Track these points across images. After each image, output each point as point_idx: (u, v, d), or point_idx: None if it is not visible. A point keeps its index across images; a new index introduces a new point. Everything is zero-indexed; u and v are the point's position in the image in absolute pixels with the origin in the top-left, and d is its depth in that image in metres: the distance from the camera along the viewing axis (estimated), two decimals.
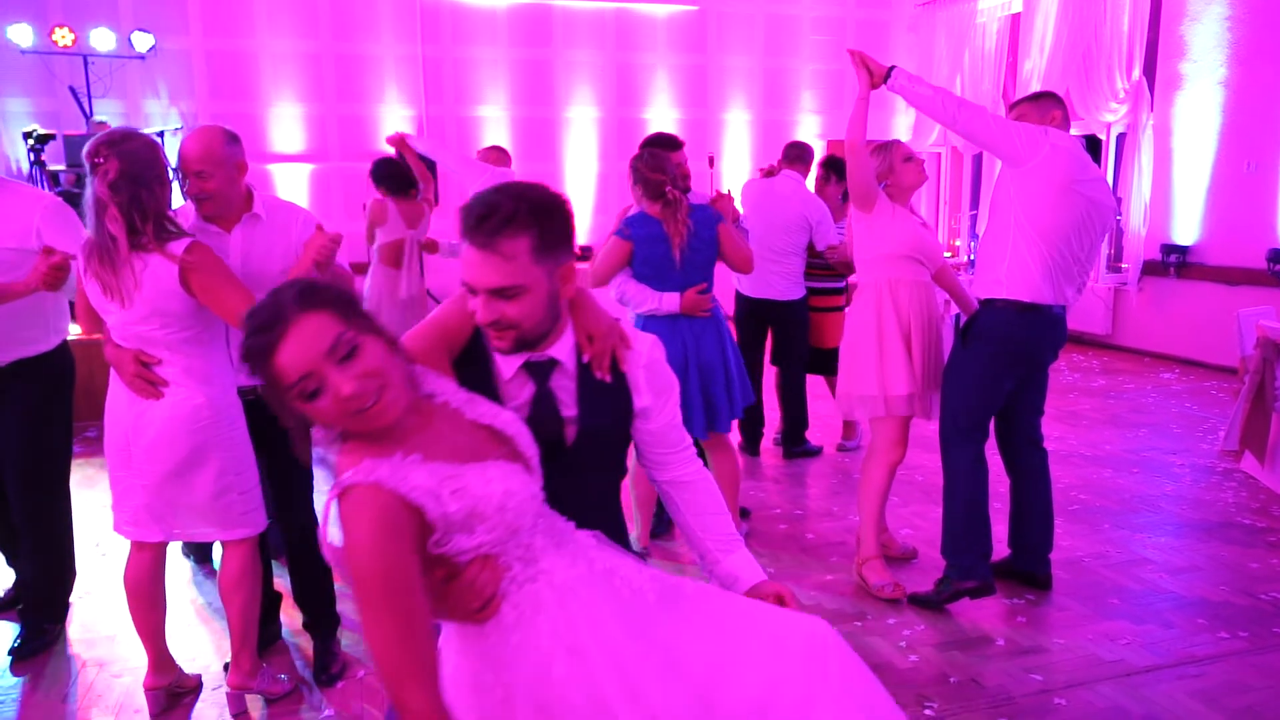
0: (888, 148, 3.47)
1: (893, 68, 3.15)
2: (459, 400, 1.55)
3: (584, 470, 1.74)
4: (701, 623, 1.53)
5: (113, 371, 2.58)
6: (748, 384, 3.70)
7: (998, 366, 3.20)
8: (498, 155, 5.73)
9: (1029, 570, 3.46)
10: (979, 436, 3.27)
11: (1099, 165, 8.58)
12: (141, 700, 2.73)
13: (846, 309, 5.25)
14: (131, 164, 2.38)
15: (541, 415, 1.69)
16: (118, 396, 2.57)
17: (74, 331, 3.12)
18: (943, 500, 3.34)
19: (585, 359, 1.71)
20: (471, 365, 1.69)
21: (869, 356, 3.42)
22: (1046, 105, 3.26)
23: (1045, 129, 3.08)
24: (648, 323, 3.54)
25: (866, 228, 3.42)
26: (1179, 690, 2.77)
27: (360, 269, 5.77)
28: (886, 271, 3.41)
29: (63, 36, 7.84)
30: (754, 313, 5.11)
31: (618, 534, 1.83)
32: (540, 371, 1.70)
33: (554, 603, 1.43)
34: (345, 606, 3.06)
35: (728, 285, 5.48)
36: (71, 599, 3.30)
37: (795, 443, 5.25)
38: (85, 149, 2.43)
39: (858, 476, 4.81)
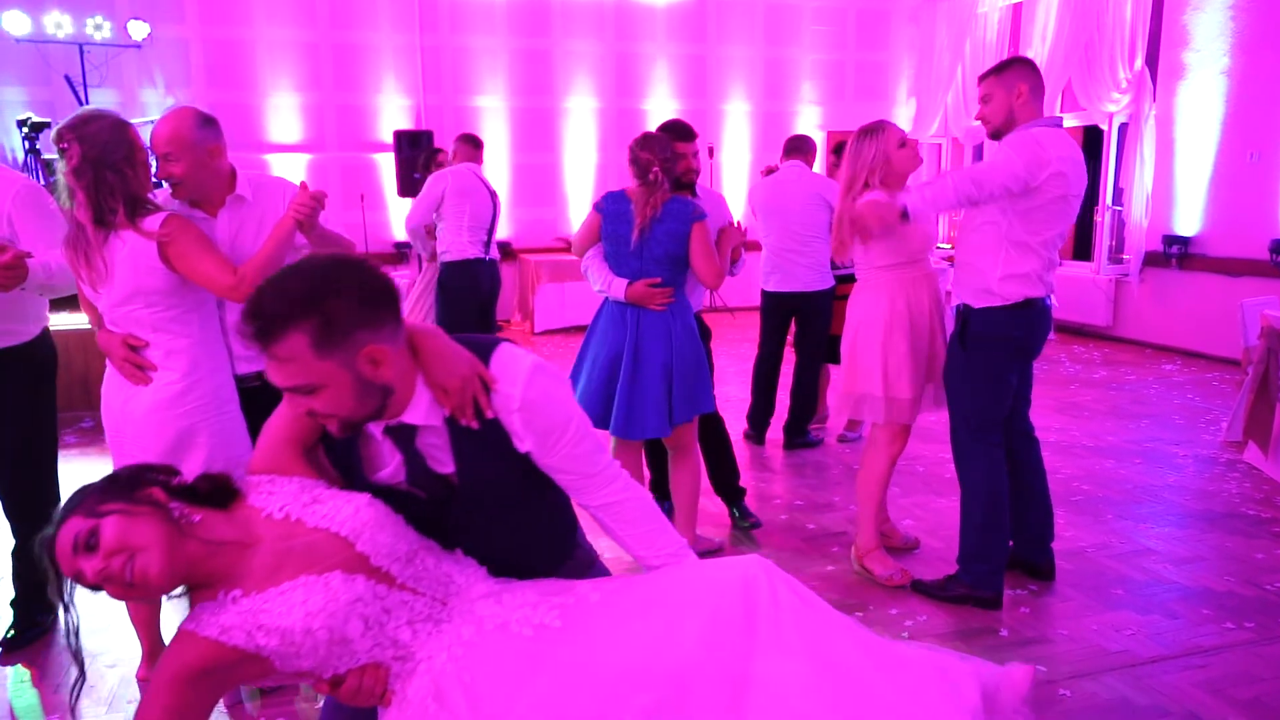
0: (878, 131, 3.26)
1: (904, 207, 2.95)
2: (300, 506, 1.51)
3: (492, 509, 1.65)
4: (619, 622, 1.51)
5: (108, 358, 2.55)
6: (698, 399, 3.40)
7: (1001, 364, 3.14)
8: (468, 148, 5.71)
9: (1030, 560, 3.43)
10: (994, 440, 3.21)
11: (1101, 156, 8.57)
12: (135, 691, 2.70)
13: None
14: (92, 147, 2.34)
15: (416, 477, 1.61)
16: (110, 382, 2.54)
17: (62, 321, 3.07)
18: (960, 509, 3.27)
19: (446, 414, 1.56)
20: (341, 439, 1.59)
21: (873, 357, 3.34)
22: (1012, 79, 3.05)
23: (1039, 143, 2.93)
24: (603, 303, 3.48)
25: (882, 243, 3.32)
26: (1185, 681, 2.74)
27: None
28: (901, 274, 3.33)
29: (58, 25, 7.79)
30: (779, 307, 5.07)
31: (561, 553, 1.78)
32: (402, 436, 1.58)
33: (425, 694, 1.44)
34: None
35: (754, 283, 5.41)
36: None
37: (797, 434, 5.22)
38: (51, 136, 2.39)
39: (858, 467, 4.80)
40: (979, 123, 3.24)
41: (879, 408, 3.36)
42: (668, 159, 3.35)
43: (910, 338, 3.31)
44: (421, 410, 1.56)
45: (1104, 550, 3.71)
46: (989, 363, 3.12)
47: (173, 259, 2.39)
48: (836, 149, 5.22)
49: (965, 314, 3.15)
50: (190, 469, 2.45)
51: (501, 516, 1.67)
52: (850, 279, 4.98)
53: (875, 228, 3.03)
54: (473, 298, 5.38)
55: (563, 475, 1.66)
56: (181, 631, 1.40)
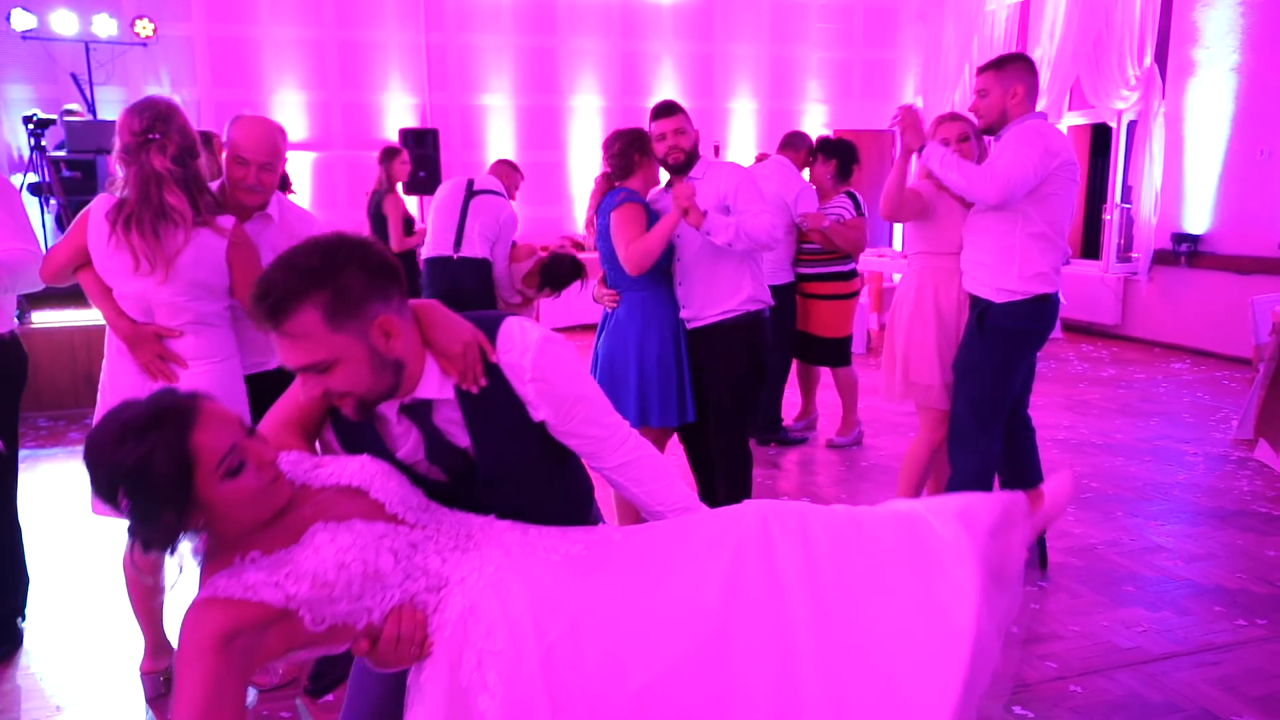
0: (941, 122, 3.38)
1: (924, 145, 3.06)
2: (303, 474, 1.50)
3: (512, 481, 1.64)
4: (644, 555, 1.52)
5: (115, 348, 2.50)
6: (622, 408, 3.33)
7: (1018, 355, 3.16)
8: (508, 170, 5.68)
9: None
10: (996, 431, 3.20)
11: (1110, 153, 8.52)
12: (137, 684, 2.68)
13: (856, 298, 5.20)
14: (185, 138, 2.39)
15: (436, 453, 1.60)
16: (125, 375, 2.48)
17: (66, 318, 3.01)
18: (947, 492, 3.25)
19: (453, 384, 1.56)
20: (351, 421, 1.57)
21: (893, 341, 3.40)
22: (1010, 79, 3.05)
23: (1042, 134, 2.97)
24: None
25: (922, 229, 3.37)
26: (1198, 678, 2.70)
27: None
28: (937, 264, 3.35)
29: (64, 22, 7.79)
30: None
31: (582, 518, 1.76)
32: (417, 413, 1.57)
33: (462, 612, 1.41)
34: None
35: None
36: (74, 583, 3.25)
37: (768, 430, 5.19)
38: (133, 122, 2.35)
39: (864, 465, 4.77)
40: (972, 115, 3.25)
41: (896, 389, 3.41)
42: (614, 154, 3.29)
43: (937, 327, 3.31)
44: (433, 384, 1.56)
45: (1114, 547, 3.67)
46: (1006, 353, 3.12)
47: (234, 262, 2.42)
48: (819, 145, 5.20)
49: (984, 307, 3.14)
50: None
51: (522, 488, 1.66)
52: (817, 278, 5.01)
53: (902, 130, 3.06)
54: (433, 295, 5.07)
55: (579, 440, 1.66)
56: (198, 603, 1.34)
